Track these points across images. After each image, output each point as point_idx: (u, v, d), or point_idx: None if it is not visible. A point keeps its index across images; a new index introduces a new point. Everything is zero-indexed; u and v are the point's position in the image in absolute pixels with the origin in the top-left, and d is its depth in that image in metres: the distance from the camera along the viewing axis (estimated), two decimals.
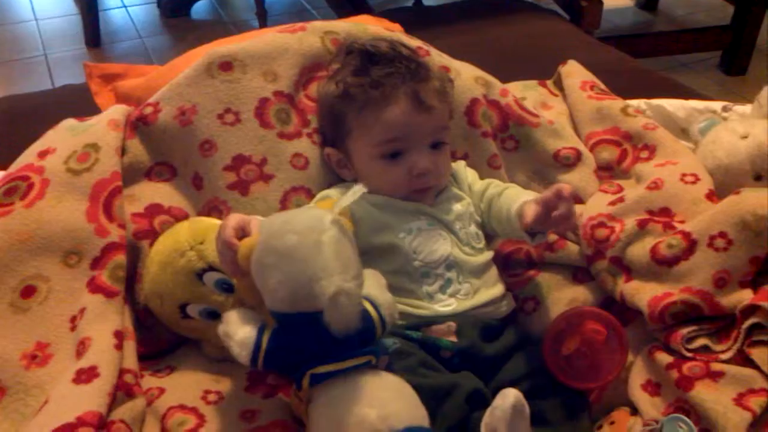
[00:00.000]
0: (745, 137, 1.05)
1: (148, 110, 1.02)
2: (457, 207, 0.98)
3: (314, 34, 1.09)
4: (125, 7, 2.88)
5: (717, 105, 1.24)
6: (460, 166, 1.04)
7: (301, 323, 0.72)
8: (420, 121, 0.94)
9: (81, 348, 0.81)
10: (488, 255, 0.97)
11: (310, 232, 0.72)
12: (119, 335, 0.84)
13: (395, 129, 0.94)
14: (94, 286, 0.87)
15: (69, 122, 1.03)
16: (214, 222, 0.93)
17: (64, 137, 0.99)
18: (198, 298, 0.88)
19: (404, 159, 0.95)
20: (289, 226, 0.73)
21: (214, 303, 0.88)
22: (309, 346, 0.73)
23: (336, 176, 1.02)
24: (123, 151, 0.99)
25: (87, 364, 0.79)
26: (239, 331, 0.74)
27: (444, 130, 0.99)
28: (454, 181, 1.02)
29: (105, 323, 0.84)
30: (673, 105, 1.26)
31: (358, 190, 0.77)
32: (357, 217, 0.93)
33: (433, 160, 0.95)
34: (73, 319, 0.85)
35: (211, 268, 0.88)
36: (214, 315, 0.89)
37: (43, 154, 0.96)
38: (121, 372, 0.81)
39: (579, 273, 1.02)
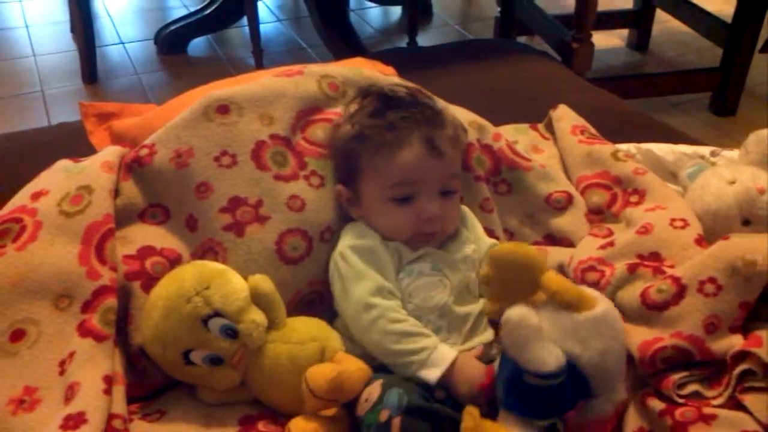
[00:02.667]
0: (732, 183, 1.06)
1: (144, 152, 1.02)
2: (466, 250, 0.99)
3: (311, 78, 1.11)
4: (122, 43, 2.91)
5: (705, 150, 1.26)
6: (470, 213, 1.05)
7: (579, 385, 0.80)
8: (432, 167, 0.95)
9: (69, 393, 0.81)
10: (482, 303, 0.97)
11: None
12: (108, 380, 0.83)
13: (407, 173, 0.95)
14: (84, 330, 0.86)
15: (63, 163, 1.03)
16: (219, 267, 0.93)
17: (57, 179, 0.99)
18: (202, 345, 0.87)
19: (414, 203, 0.95)
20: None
21: (218, 349, 0.87)
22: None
23: (333, 216, 1.02)
24: (117, 192, 0.99)
25: (75, 410, 0.78)
26: (550, 343, 0.78)
27: (455, 178, 1.00)
28: (464, 227, 1.03)
29: (94, 368, 0.83)
30: (662, 149, 1.27)
31: None
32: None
33: (442, 206, 0.96)
34: (63, 363, 0.85)
35: (216, 314, 0.87)
36: (218, 361, 0.88)
37: (36, 196, 0.96)
38: (110, 417, 0.80)
39: None
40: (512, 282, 0.86)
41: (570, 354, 0.78)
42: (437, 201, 0.96)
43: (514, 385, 0.78)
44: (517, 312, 0.78)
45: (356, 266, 0.94)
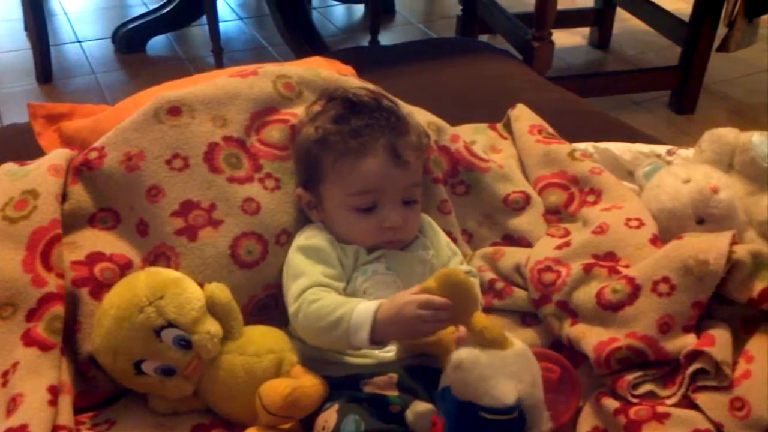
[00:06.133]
0: (687, 182, 1.07)
1: (93, 155, 1.00)
2: (422, 254, 0.99)
3: (266, 79, 1.09)
4: (79, 42, 2.85)
5: (662, 149, 1.27)
6: (423, 219, 1.05)
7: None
8: (395, 176, 0.95)
9: (12, 405, 0.78)
10: None
11: None
12: (54, 390, 0.81)
13: (371, 181, 0.94)
14: (28, 339, 0.84)
15: (7, 167, 1.00)
16: (173, 275, 0.91)
17: (1, 183, 0.96)
18: (155, 355, 0.85)
19: (376, 212, 0.95)
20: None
21: (170, 360, 0.85)
22: None
23: (289, 219, 1.01)
24: (65, 197, 0.97)
25: (17, 423, 0.76)
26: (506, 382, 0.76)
27: (416, 187, 0.99)
28: (423, 235, 1.02)
29: (39, 378, 0.81)
30: (619, 148, 1.28)
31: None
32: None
33: (403, 215, 0.96)
34: (5, 374, 0.82)
35: (170, 324, 0.85)
36: (170, 372, 0.86)
37: None
38: (56, 429, 0.78)
39: (527, 316, 1.03)
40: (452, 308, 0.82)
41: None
42: (399, 210, 0.95)
43: (469, 426, 0.76)
44: (466, 353, 0.76)
45: (297, 266, 0.93)
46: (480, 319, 0.80)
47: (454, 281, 0.81)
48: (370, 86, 1.12)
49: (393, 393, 0.85)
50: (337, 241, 0.96)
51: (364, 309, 0.85)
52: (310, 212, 1.01)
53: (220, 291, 0.90)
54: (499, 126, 1.34)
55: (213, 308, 0.89)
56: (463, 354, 0.76)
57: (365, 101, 0.99)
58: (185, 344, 0.86)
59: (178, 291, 0.88)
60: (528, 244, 1.10)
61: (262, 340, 0.90)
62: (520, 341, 0.82)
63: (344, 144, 0.94)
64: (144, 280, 0.88)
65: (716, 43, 2.39)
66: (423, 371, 0.87)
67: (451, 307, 0.80)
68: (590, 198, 1.12)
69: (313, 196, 0.99)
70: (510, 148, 1.27)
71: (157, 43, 2.84)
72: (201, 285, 0.91)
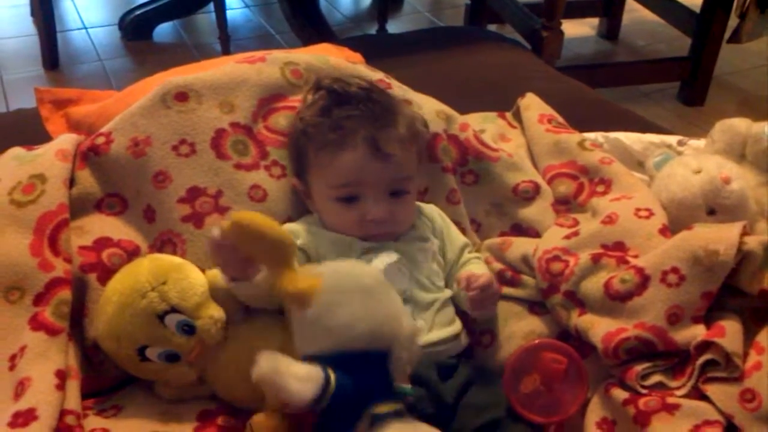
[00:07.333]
0: (698, 172, 1.06)
1: (100, 140, 1.00)
2: (422, 244, 0.98)
3: (274, 65, 1.09)
4: (86, 28, 2.84)
5: (672, 139, 1.26)
6: (432, 211, 1.03)
7: (363, 362, 0.73)
8: (376, 169, 0.92)
9: (20, 389, 0.78)
10: (447, 293, 0.96)
11: (378, 277, 0.78)
12: (61, 375, 0.81)
13: (348, 175, 0.92)
14: (36, 323, 0.84)
15: (15, 151, 1.00)
16: (176, 261, 0.91)
17: (9, 167, 0.96)
18: (158, 341, 0.85)
19: (359, 204, 0.93)
20: (359, 270, 0.79)
21: (174, 346, 0.85)
22: (372, 386, 0.74)
23: (296, 208, 1.01)
24: (72, 182, 0.97)
25: (25, 406, 0.76)
26: (298, 368, 0.70)
27: (405, 180, 0.96)
28: (421, 223, 1.01)
29: (46, 362, 0.81)
30: (630, 138, 1.27)
31: (390, 258, 0.84)
32: (320, 254, 0.93)
33: (390, 209, 0.94)
34: (13, 358, 0.82)
35: (173, 309, 0.85)
36: (174, 358, 0.86)
37: None
38: (63, 413, 0.78)
39: (535, 305, 1.02)
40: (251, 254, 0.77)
41: (330, 351, 0.73)
42: (385, 202, 0.93)
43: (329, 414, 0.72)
44: (256, 369, 0.70)
45: None
46: (283, 275, 0.74)
47: (243, 224, 0.74)
48: (375, 75, 1.11)
49: (406, 385, 0.84)
50: (328, 231, 0.96)
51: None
52: (305, 202, 1.00)
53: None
54: (508, 115, 1.33)
55: (215, 293, 0.89)
56: (254, 371, 0.70)
57: (352, 92, 0.97)
58: (189, 329, 0.85)
59: (181, 276, 0.88)
60: (537, 234, 1.10)
61: (261, 324, 0.90)
62: (330, 267, 0.78)
63: (323, 136, 0.93)
64: (147, 266, 0.88)
65: (727, 34, 2.37)
66: (432, 364, 0.87)
67: (230, 248, 0.77)
68: (600, 188, 1.11)
69: (304, 186, 0.99)
70: (519, 137, 1.26)
71: (164, 30, 2.83)
72: (203, 272, 0.91)
